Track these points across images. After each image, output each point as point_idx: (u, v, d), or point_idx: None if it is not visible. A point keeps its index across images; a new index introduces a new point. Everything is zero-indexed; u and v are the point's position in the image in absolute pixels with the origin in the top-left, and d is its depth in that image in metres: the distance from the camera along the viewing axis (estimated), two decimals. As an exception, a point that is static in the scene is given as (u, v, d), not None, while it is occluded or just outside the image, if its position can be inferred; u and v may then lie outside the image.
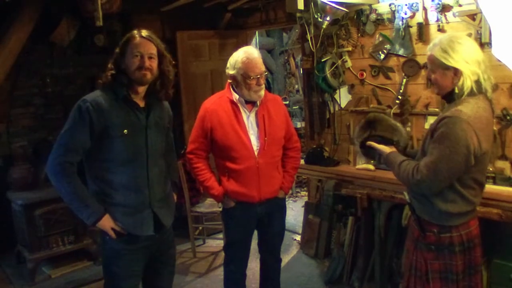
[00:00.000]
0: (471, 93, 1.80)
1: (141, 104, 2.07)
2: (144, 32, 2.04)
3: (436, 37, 2.89)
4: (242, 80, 2.44)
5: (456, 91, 1.82)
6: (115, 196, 2.01)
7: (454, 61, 1.78)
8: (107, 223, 1.98)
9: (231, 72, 2.48)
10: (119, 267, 2.06)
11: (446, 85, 1.85)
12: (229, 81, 2.54)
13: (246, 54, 2.45)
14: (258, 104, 2.52)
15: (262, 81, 2.47)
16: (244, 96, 2.48)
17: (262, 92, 2.49)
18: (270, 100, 2.60)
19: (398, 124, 2.20)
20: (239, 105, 2.50)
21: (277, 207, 2.67)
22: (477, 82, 1.80)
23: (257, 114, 2.53)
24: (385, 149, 2.05)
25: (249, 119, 2.52)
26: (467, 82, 1.78)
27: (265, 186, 2.53)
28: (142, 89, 2.05)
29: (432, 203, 1.86)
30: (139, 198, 2.04)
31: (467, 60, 1.78)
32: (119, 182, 2.00)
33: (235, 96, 2.50)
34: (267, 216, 2.61)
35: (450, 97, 1.87)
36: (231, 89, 2.53)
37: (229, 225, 2.67)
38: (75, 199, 1.95)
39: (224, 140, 2.47)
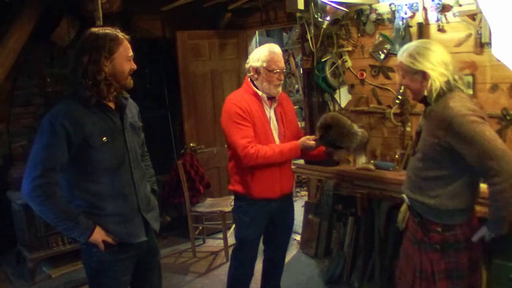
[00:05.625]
0: (443, 92, 1.86)
1: (112, 106, 1.94)
2: (123, 33, 1.91)
3: (436, 37, 2.93)
4: (264, 73, 2.45)
5: (425, 93, 1.91)
6: (105, 207, 1.90)
7: (421, 65, 1.87)
8: (98, 236, 1.87)
9: (254, 64, 2.48)
10: (110, 279, 1.97)
11: (417, 89, 1.94)
12: (249, 75, 2.53)
13: (271, 48, 2.49)
14: (277, 100, 2.54)
15: (282, 78, 2.50)
16: (264, 91, 2.49)
17: (280, 89, 2.52)
18: (283, 98, 2.64)
19: (355, 126, 2.27)
20: (263, 101, 2.51)
21: (289, 203, 2.76)
22: (448, 82, 1.87)
23: (275, 111, 2.54)
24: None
25: (271, 116, 2.53)
26: (436, 83, 1.86)
27: (284, 181, 2.59)
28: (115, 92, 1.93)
29: (439, 199, 1.88)
30: (129, 205, 1.96)
31: (433, 63, 1.86)
32: (106, 192, 1.89)
33: (259, 92, 2.50)
34: (280, 212, 2.64)
35: (426, 100, 1.96)
36: (252, 84, 2.52)
37: (244, 222, 2.61)
38: (64, 219, 1.81)
39: (256, 137, 2.44)
